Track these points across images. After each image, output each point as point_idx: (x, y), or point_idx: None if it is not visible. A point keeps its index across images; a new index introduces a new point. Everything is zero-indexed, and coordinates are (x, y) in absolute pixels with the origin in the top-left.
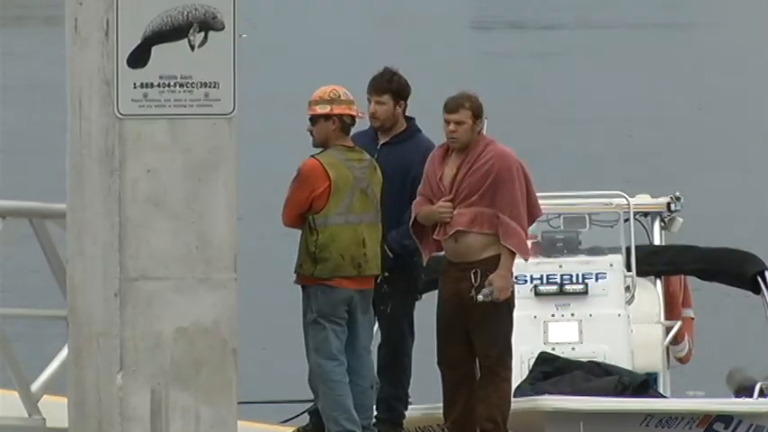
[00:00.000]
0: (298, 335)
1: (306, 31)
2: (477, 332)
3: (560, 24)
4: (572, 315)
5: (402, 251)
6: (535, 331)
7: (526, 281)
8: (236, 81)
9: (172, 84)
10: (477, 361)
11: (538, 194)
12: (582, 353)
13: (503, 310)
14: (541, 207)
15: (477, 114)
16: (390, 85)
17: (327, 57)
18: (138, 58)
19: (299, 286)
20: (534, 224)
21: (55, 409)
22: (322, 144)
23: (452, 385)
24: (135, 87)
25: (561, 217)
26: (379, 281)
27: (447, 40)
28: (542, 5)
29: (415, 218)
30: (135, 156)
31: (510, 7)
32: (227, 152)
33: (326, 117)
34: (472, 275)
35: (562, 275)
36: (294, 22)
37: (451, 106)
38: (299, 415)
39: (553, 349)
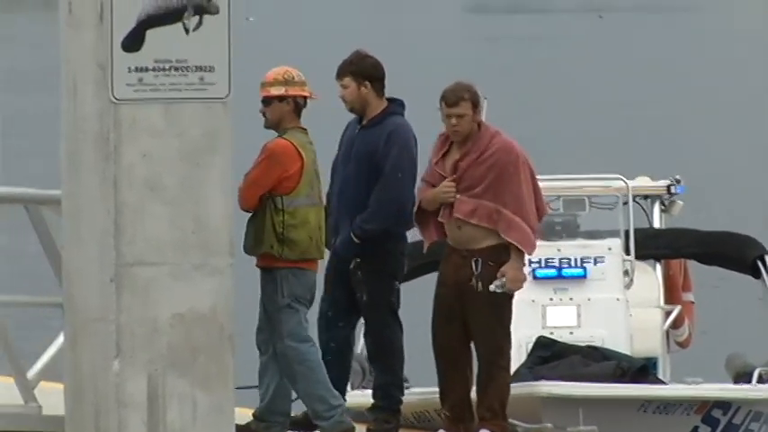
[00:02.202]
0: None
1: (302, 15)
2: (477, 321)
3: (556, 7)
4: (570, 299)
5: (364, 236)
6: (533, 315)
7: (524, 264)
8: (232, 64)
9: (167, 67)
10: (471, 347)
11: (537, 176)
12: (580, 337)
13: (503, 299)
14: (541, 188)
15: (476, 103)
16: (350, 67)
17: (323, 40)
18: (133, 41)
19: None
20: None
21: (51, 396)
22: (275, 126)
23: (446, 370)
24: (130, 71)
25: (560, 200)
26: (352, 267)
27: (442, 24)
28: None
29: (419, 205)
30: (130, 140)
31: None
32: (223, 136)
33: (281, 98)
34: (473, 264)
35: (560, 259)
36: (290, 6)
37: (452, 100)
38: (294, 400)
39: (551, 333)
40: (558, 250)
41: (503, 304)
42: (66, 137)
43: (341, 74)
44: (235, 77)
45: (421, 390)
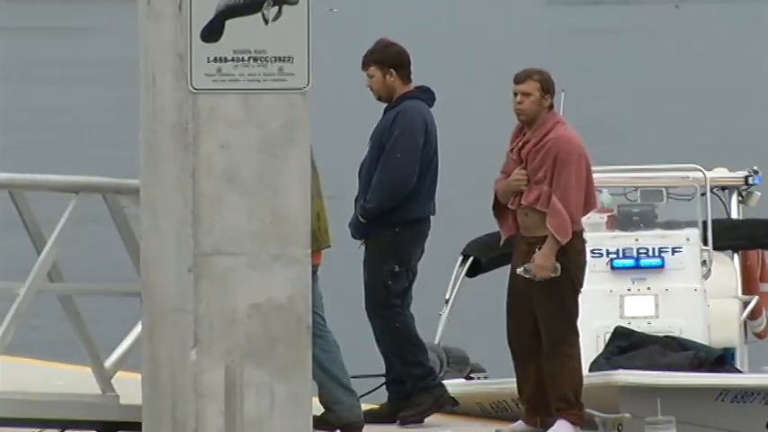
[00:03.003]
0: (361, 307)
1: (385, 5)
2: (539, 309)
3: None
4: (648, 289)
5: (366, 215)
6: (611, 305)
7: (602, 254)
8: (311, 55)
9: (246, 58)
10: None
11: (615, 167)
12: (658, 327)
13: (564, 286)
14: (619, 180)
15: (546, 89)
16: (374, 56)
17: (405, 31)
18: (212, 32)
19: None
20: (610, 198)
21: (129, 385)
22: None
23: (521, 361)
24: (209, 62)
25: (638, 190)
26: (358, 247)
27: (522, 16)
28: None
29: (495, 197)
30: (209, 131)
31: None
32: (302, 127)
33: None
34: (537, 250)
35: (638, 249)
36: None
37: (520, 77)
38: (373, 390)
39: (629, 323)
40: (636, 240)
41: (565, 292)
42: (144, 127)
43: (366, 64)
44: (314, 68)
45: (498, 380)
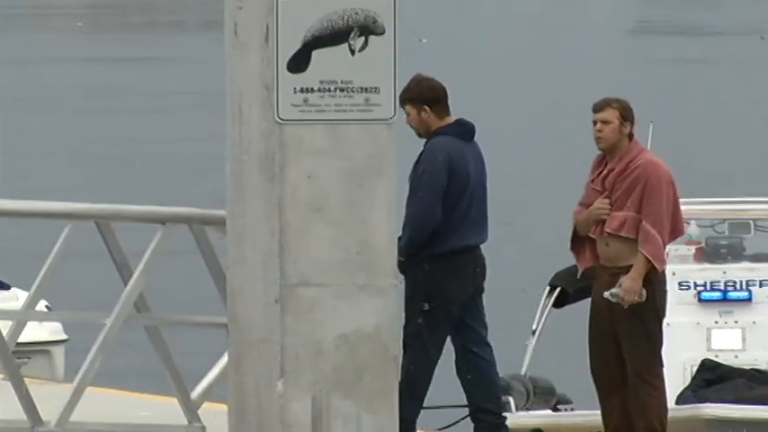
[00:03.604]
0: (448, 338)
1: (472, 37)
2: (624, 340)
3: (717, 30)
4: (735, 322)
5: (399, 253)
6: (698, 338)
7: (689, 287)
8: (397, 86)
9: (332, 88)
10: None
11: (703, 199)
12: (745, 360)
13: (649, 316)
14: (706, 212)
15: (625, 116)
16: (408, 94)
17: (490, 61)
18: (299, 62)
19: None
20: (698, 230)
21: (216, 417)
22: None
23: (605, 392)
24: (295, 92)
25: (726, 223)
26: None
27: (606, 45)
28: (703, 11)
29: (574, 229)
30: (295, 161)
31: (671, 14)
32: (388, 157)
33: None
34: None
35: (726, 282)
36: (458, 26)
37: (598, 105)
38: (458, 421)
39: (716, 356)
40: (724, 273)
41: (650, 323)
42: (231, 158)
43: (401, 102)
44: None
45: (585, 411)
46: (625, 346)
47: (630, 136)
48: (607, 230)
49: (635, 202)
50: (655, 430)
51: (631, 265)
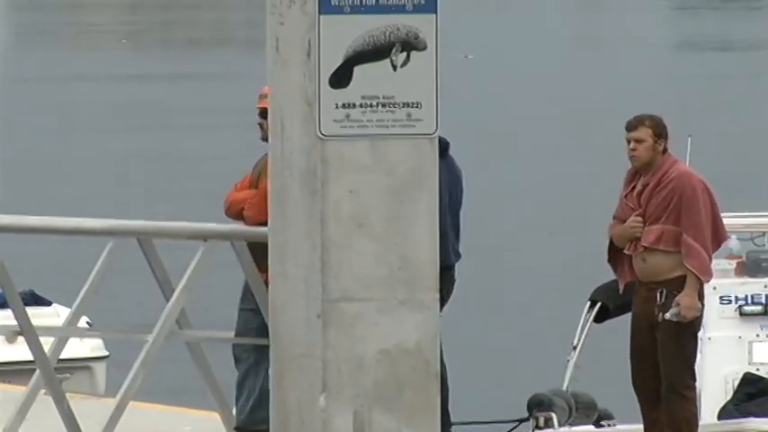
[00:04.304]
0: (491, 354)
1: (517, 53)
2: (663, 353)
3: (759, 44)
4: None
5: None
6: (740, 352)
7: (731, 301)
8: (439, 101)
9: (374, 104)
10: None
11: (741, 213)
12: None
13: (687, 332)
14: (745, 226)
15: (659, 134)
16: None
17: (535, 78)
18: (340, 78)
19: None
20: (738, 244)
21: None
22: None
23: (647, 407)
24: (337, 108)
25: (766, 236)
26: None
27: (648, 60)
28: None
29: (611, 242)
30: (337, 176)
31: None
32: (430, 172)
33: None
34: (658, 295)
35: (767, 296)
36: (504, 42)
37: (632, 124)
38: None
39: (757, 370)
40: (765, 287)
41: (687, 338)
42: (273, 173)
43: None
44: (444, 113)
45: (627, 426)
46: (663, 359)
47: (664, 150)
48: (644, 244)
49: (672, 215)
50: None
51: (670, 279)
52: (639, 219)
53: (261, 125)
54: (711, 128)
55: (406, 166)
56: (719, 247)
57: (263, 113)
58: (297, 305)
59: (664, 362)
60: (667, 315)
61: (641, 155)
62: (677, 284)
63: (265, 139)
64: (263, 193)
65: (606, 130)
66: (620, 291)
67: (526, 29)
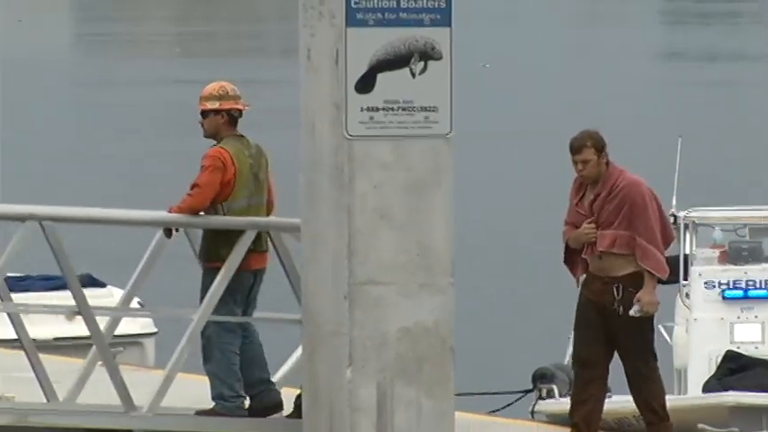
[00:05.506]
0: (498, 330)
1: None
2: (623, 344)
3: (746, 55)
4: (755, 317)
5: None
6: (722, 332)
7: (714, 286)
8: (453, 104)
9: (395, 108)
10: (608, 364)
11: (724, 207)
12: (765, 351)
13: (645, 320)
14: (728, 218)
15: (600, 149)
16: None
17: (548, 86)
18: (365, 84)
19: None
20: (721, 235)
21: (291, 399)
22: (213, 135)
23: (584, 384)
24: (362, 111)
25: (747, 227)
26: None
27: (636, 69)
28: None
29: (567, 244)
30: (362, 173)
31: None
32: (446, 169)
33: (216, 111)
34: (615, 290)
35: (747, 281)
36: (518, 52)
37: (575, 147)
38: (506, 406)
39: (738, 348)
40: (745, 273)
41: (646, 326)
42: (304, 169)
43: None
44: (459, 117)
45: (621, 397)
46: (623, 347)
47: (607, 163)
48: (600, 249)
49: (624, 221)
50: (655, 411)
51: (623, 275)
52: (593, 225)
53: (201, 124)
54: (698, 130)
55: (424, 163)
56: (669, 246)
57: (203, 114)
58: (326, 288)
59: (630, 355)
60: (631, 312)
61: (589, 173)
62: (630, 280)
63: (207, 136)
64: (209, 181)
65: (606, 130)
66: (577, 285)
67: (534, 39)
